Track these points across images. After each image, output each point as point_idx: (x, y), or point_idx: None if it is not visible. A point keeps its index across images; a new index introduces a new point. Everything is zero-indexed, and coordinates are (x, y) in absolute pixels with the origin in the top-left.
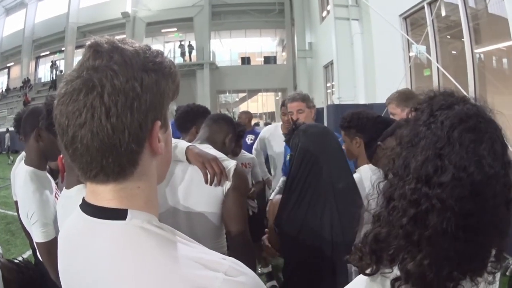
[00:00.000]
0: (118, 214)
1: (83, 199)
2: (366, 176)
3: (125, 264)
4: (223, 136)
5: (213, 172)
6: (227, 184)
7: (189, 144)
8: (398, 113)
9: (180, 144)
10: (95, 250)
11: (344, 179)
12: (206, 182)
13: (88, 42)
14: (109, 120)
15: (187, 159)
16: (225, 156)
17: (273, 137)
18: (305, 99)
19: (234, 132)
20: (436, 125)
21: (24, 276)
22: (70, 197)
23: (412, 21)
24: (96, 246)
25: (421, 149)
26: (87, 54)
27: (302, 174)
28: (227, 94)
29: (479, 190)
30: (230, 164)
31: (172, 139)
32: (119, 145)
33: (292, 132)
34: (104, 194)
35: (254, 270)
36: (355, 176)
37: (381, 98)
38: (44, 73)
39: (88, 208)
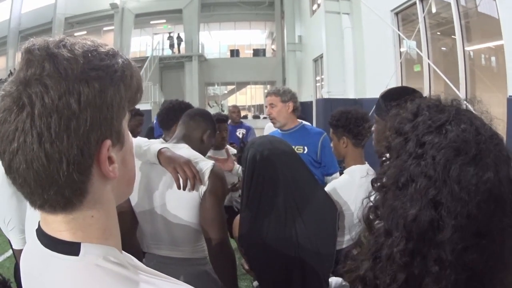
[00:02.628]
0: (71, 249)
1: (39, 225)
2: (355, 179)
3: None
4: (201, 133)
5: (185, 177)
6: (203, 187)
7: (161, 146)
8: None
9: (152, 147)
10: None
11: (304, 183)
12: (179, 188)
13: (23, 46)
14: (42, 147)
15: (160, 163)
16: (201, 156)
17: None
18: (278, 93)
19: (212, 128)
20: (426, 161)
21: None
22: None
23: (404, 16)
24: (48, 284)
25: (410, 196)
26: (21, 62)
27: (257, 186)
28: (216, 86)
29: (486, 232)
30: (206, 165)
31: (145, 140)
32: (58, 176)
33: (241, 150)
34: (55, 225)
35: (235, 277)
36: (344, 177)
37: (371, 93)
38: None
39: (42, 237)
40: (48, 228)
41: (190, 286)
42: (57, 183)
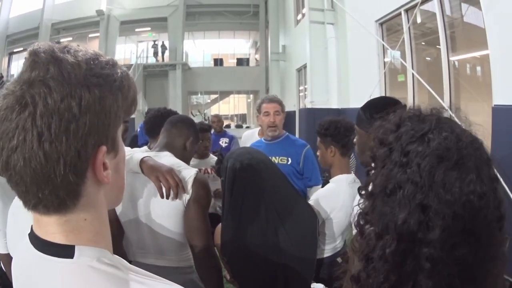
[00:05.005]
0: (65, 251)
1: (31, 229)
2: (341, 188)
3: None
4: (183, 140)
5: (168, 186)
6: (187, 196)
7: (144, 155)
8: None
9: (135, 156)
10: None
11: (284, 190)
12: (162, 197)
13: (29, 49)
14: (41, 146)
15: (143, 172)
16: (184, 164)
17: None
18: (281, 103)
19: (195, 135)
20: (412, 169)
21: None
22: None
23: (388, 27)
24: (44, 287)
25: (398, 201)
26: (25, 64)
27: (238, 195)
28: (199, 95)
29: (472, 229)
30: (189, 173)
31: (128, 149)
32: (55, 176)
33: (220, 161)
34: (49, 227)
35: (221, 285)
36: (330, 186)
37: (354, 103)
38: (17, 69)
39: (36, 241)
40: (41, 231)
41: (181, 287)
42: (52, 182)
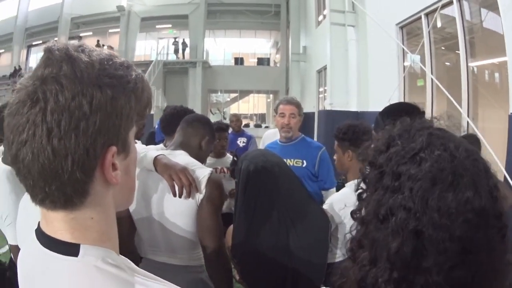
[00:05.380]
0: (70, 250)
1: (38, 225)
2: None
3: None
4: (199, 140)
5: (180, 184)
6: (200, 195)
7: (158, 153)
8: None
9: (149, 154)
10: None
11: (297, 194)
12: (174, 195)
13: (44, 46)
14: (50, 142)
15: (156, 170)
16: (199, 163)
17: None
18: (299, 106)
19: (211, 134)
20: (404, 195)
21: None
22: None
23: (408, 30)
24: (47, 283)
25: (391, 229)
26: (40, 60)
27: (250, 197)
28: (219, 93)
29: (471, 247)
30: (204, 173)
31: (143, 146)
32: (62, 172)
33: (235, 163)
34: (56, 223)
35: (231, 285)
36: (345, 190)
37: (373, 106)
38: (36, 62)
39: (42, 237)
40: (48, 227)
41: None
42: (60, 178)
